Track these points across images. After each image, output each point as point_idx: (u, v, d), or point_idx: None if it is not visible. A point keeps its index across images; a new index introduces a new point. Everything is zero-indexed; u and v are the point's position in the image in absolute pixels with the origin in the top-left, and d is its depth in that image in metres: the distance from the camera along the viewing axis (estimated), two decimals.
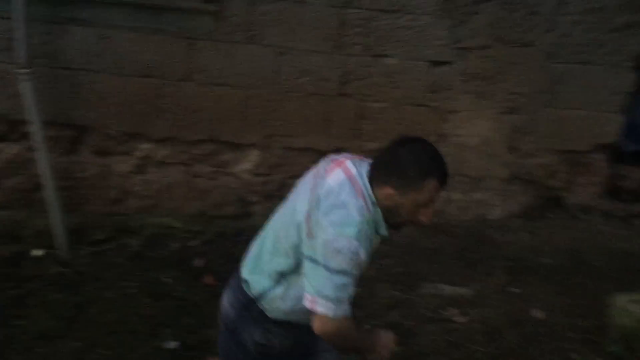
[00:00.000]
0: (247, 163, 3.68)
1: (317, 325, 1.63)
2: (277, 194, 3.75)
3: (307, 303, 1.61)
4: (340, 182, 1.65)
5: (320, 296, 1.59)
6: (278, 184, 3.71)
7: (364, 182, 1.64)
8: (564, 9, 3.36)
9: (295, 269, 1.70)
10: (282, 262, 1.72)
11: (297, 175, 3.63)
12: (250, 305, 1.80)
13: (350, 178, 1.65)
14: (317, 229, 1.60)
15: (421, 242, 3.52)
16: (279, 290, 1.74)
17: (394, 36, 3.44)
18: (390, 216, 1.64)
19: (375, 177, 1.64)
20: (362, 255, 1.57)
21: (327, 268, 1.57)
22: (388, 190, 1.61)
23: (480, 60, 3.47)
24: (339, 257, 1.56)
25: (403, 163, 1.60)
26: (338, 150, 3.59)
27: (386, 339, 1.79)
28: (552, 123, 3.59)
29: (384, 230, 1.65)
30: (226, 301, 1.87)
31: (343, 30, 3.42)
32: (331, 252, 1.56)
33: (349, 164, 1.69)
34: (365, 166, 1.68)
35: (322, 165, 1.75)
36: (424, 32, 3.43)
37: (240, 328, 1.83)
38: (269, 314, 1.78)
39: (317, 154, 3.64)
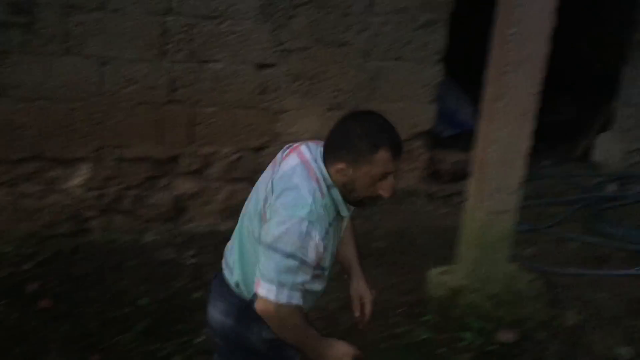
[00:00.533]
0: (78, 178, 3.56)
1: (258, 307, 1.61)
2: (115, 207, 3.68)
3: (254, 286, 1.60)
4: (293, 166, 1.64)
5: (263, 279, 1.57)
6: (114, 196, 3.63)
7: (318, 165, 1.63)
8: (374, 10, 3.62)
9: None
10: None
11: (134, 186, 3.64)
12: (248, 307, 1.73)
13: (303, 162, 1.65)
14: (270, 213, 1.59)
15: None
16: None
17: (218, 41, 3.50)
18: (348, 193, 1.63)
19: (328, 156, 1.63)
20: (316, 238, 1.55)
21: (274, 250, 1.55)
22: (340, 165, 1.59)
23: (302, 61, 3.63)
24: (287, 238, 1.53)
25: (352, 136, 1.59)
26: (173, 158, 3.63)
27: (343, 352, 1.69)
28: None
29: (345, 211, 1.65)
30: (217, 313, 1.81)
31: (165, 37, 3.42)
32: (280, 234, 1.54)
33: (303, 148, 1.70)
34: (320, 149, 1.67)
35: (280, 154, 1.76)
36: (247, 36, 3.53)
37: (243, 333, 1.79)
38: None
39: (153, 163, 3.65)
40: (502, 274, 2.61)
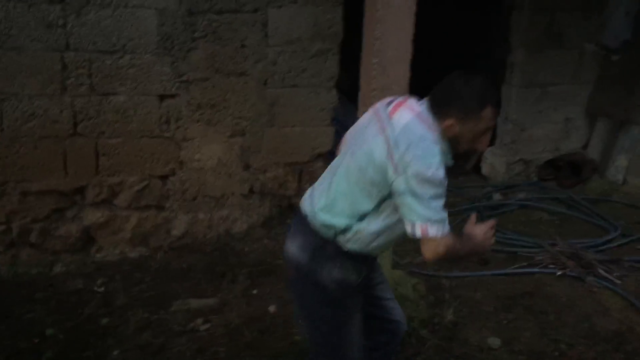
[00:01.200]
0: None
1: (430, 248, 1.77)
2: (21, 241, 3.71)
3: (418, 231, 1.75)
4: (410, 119, 1.82)
5: (430, 222, 1.74)
6: (20, 230, 3.67)
7: (429, 117, 1.82)
8: (268, 41, 3.86)
9: (376, 207, 1.86)
10: (364, 203, 1.87)
11: (40, 219, 3.69)
12: (325, 245, 1.91)
13: (417, 115, 1.83)
14: (403, 166, 1.75)
15: (172, 264, 3.76)
16: (359, 227, 1.88)
17: (118, 75, 3.64)
18: (452, 147, 1.84)
19: (436, 112, 1.82)
20: (445, 179, 1.77)
21: (425, 196, 1.72)
22: (450, 122, 1.79)
23: (203, 91, 3.82)
24: (431, 185, 1.73)
25: (462, 94, 1.79)
26: (80, 189, 3.71)
27: (482, 231, 1.89)
28: (275, 140, 4.07)
29: (449, 160, 1.84)
30: (294, 247, 1.97)
31: (66, 72, 3.53)
32: (424, 182, 1.72)
33: (412, 102, 1.88)
34: (422, 104, 1.87)
35: (381, 110, 1.92)
36: (148, 69, 3.68)
37: (315, 269, 1.93)
38: (345, 250, 1.91)
39: (59, 195, 3.72)
40: (388, 279, 2.85)
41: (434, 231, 1.75)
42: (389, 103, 1.93)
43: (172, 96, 3.78)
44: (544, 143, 4.84)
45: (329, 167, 2.06)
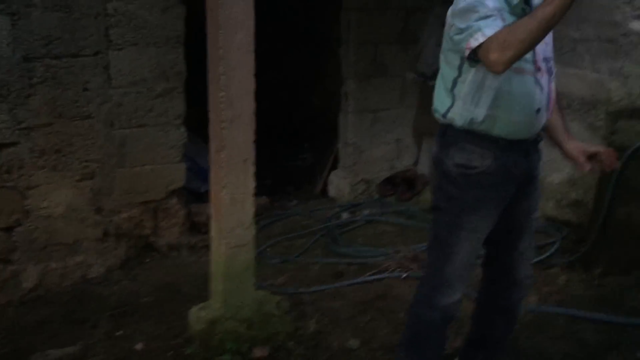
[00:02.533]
0: None
1: (484, 57, 1.73)
2: None
3: (468, 50, 1.80)
4: None
5: (471, 36, 1.77)
6: None
7: None
8: (112, 83, 3.89)
9: (459, 70, 1.93)
10: (449, 72, 1.98)
11: None
12: (445, 131, 2.02)
13: None
14: (451, 15, 1.91)
15: (26, 318, 3.58)
16: (453, 96, 1.96)
17: None
18: None
19: None
20: (490, 2, 1.80)
21: (468, 23, 1.79)
22: None
23: (46, 136, 3.73)
24: (469, 12, 1.79)
25: None
26: None
27: None
28: (128, 180, 4.07)
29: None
30: (433, 146, 2.12)
31: None
32: (462, 14, 1.82)
33: None
34: None
35: None
36: None
37: (442, 157, 2.02)
38: (461, 130, 1.95)
39: None
40: (251, 299, 3.01)
41: (476, 41, 1.76)
42: None
43: (13, 144, 3.65)
44: (381, 163, 5.32)
45: None
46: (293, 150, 6.36)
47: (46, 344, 3.31)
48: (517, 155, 2.01)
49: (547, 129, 2.13)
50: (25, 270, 3.80)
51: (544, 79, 1.99)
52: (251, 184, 2.91)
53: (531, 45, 1.68)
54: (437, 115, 2.08)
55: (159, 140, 4.14)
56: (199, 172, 4.77)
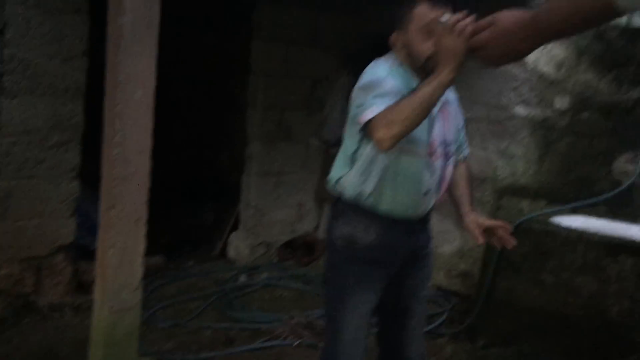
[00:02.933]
0: None
1: (371, 133, 1.81)
2: None
3: (359, 125, 1.89)
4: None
5: (364, 112, 1.84)
6: None
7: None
8: (1, 132, 3.70)
9: (359, 146, 1.98)
10: (349, 145, 2.04)
11: None
12: (336, 202, 2.08)
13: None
14: (355, 92, 1.98)
15: None
16: (347, 169, 2.01)
17: None
18: (413, 61, 1.97)
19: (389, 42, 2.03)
20: (390, 83, 1.87)
21: (366, 99, 1.87)
22: (394, 37, 2.00)
23: None
24: (369, 89, 1.88)
25: (393, 9, 1.98)
26: None
27: (452, 45, 1.63)
28: (9, 234, 3.82)
29: (413, 84, 1.92)
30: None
31: None
32: (361, 90, 1.91)
33: None
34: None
35: None
36: None
37: (330, 228, 2.08)
38: (349, 202, 2.00)
39: None
40: None
41: (366, 117, 1.84)
42: None
43: None
44: (282, 226, 5.32)
45: None
46: (195, 209, 6.24)
47: None
48: (402, 233, 2.05)
49: (452, 201, 2.22)
50: None
51: (437, 163, 2.06)
52: (142, 245, 2.80)
53: (414, 123, 1.75)
54: (330, 185, 2.12)
55: (49, 194, 3.94)
56: (91, 227, 4.52)
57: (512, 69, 4.14)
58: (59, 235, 4.03)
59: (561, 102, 4.14)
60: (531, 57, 4.05)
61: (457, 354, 3.67)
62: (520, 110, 4.18)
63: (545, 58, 4.14)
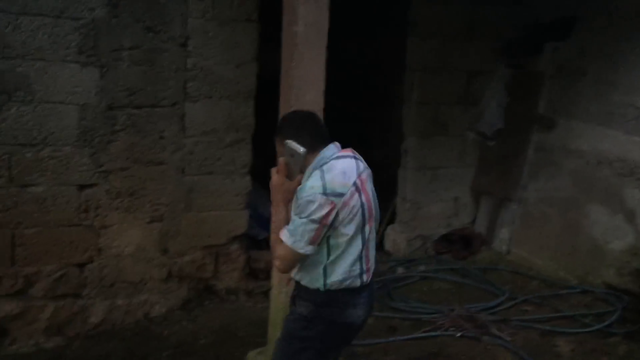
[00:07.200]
0: None
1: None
2: None
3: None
4: None
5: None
6: None
7: None
8: (186, 132, 4.14)
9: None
10: None
11: None
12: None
13: None
14: None
15: (90, 352, 3.76)
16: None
17: (39, 166, 3.75)
18: None
19: None
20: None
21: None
22: None
23: (122, 180, 3.99)
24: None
25: None
26: None
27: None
28: (193, 225, 4.27)
29: None
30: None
31: None
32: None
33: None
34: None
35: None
36: (67, 160, 3.82)
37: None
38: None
39: None
40: None
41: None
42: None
43: (92, 185, 3.92)
44: (438, 220, 5.35)
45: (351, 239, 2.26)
46: None
47: None
48: None
49: None
50: (93, 306, 4.00)
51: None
52: None
53: None
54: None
55: (225, 188, 4.33)
56: (259, 219, 4.92)
57: None
58: (234, 226, 4.41)
59: None
60: None
61: (631, 353, 3.49)
62: None
63: None
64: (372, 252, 2.35)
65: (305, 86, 2.87)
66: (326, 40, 2.92)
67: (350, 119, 6.57)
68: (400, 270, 4.95)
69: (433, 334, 3.78)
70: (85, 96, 3.80)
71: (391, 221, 5.41)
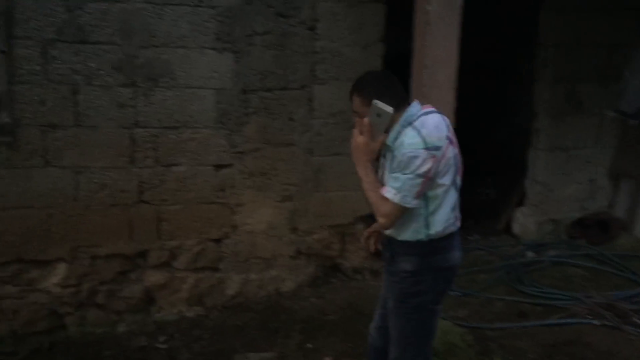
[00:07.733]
0: (54, 277, 3.87)
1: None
2: (89, 302, 3.99)
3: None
4: None
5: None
6: (89, 291, 3.96)
7: None
8: (314, 114, 4.24)
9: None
10: None
11: (107, 281, 3.99)
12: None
13: None
14: None
15: (227, 322, 4.00)
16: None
17: (180, 148, 4.01)
18: None
19: None
20: None
21: None
22: None
23: (255, 160, 4.17)
24: None
25: None
26: (142, 253, 4.01)
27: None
28: (321, 204, 4.38)
29: None
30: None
31: (134, 147, 3.91)
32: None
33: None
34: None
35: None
36: (205, 142, 4.05)
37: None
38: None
39: (124, 258, 4.02)
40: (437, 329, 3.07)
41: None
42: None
43: (227, 166, 4.13)
44: (571, 203, 5.09)
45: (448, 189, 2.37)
46: (474, 182, 6.30)
47: (245, 347, 3.68)
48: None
49: None
50: (229, 279, 4.25)
51: None
52: None
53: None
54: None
55: (351, 169, 4.28)
56: None
57: None
58: (358, 207, 4.46)
59: None
60: None
61: None
62: None
63: None
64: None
65: (437, 65, 2.84)
66: (460, 17, 2.86)
67: (471, 97, 6.38)
68: (530, 254, 4.78)
69: (570, 321, 3.62)
70: (221, 81, 4.01)
71: (519, 204, 5.23)
